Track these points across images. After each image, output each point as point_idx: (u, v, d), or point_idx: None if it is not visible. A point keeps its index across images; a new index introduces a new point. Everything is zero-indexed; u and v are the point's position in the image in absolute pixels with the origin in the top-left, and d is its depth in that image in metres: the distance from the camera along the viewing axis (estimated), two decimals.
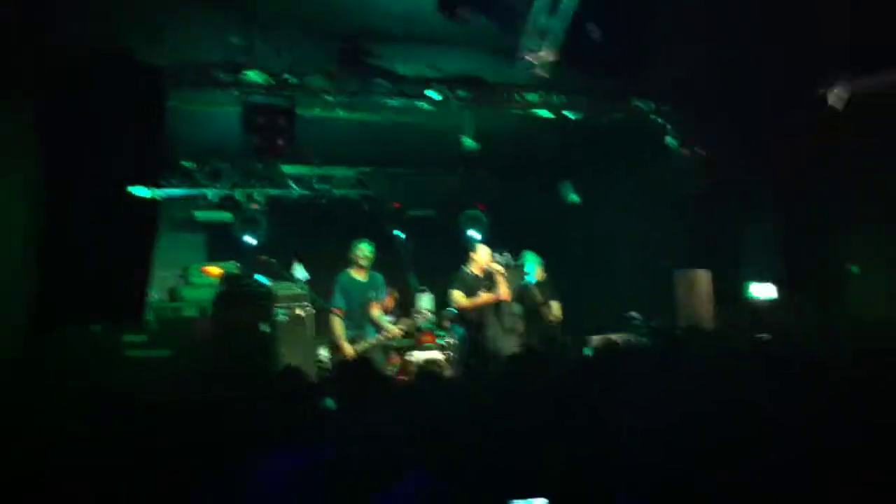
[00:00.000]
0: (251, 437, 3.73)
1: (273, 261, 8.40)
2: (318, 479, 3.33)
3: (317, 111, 8.06)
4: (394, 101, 7.87)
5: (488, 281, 8.22)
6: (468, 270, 8.30)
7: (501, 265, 8.22)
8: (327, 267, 8.44)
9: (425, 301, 8.80)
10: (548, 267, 9.05)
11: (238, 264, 8.19)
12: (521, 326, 8.36)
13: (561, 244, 10.12)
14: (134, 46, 6.01)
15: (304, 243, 9.36)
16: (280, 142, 7.30)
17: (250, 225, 9.17)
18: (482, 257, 8.27)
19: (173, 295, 7.50)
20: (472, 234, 10.16)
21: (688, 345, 4.78)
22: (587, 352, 7.47)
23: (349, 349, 7.77)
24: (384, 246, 8.96)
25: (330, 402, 4.44)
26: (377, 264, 8.30)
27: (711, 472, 2.87)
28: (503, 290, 8.14)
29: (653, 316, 8.45)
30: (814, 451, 2.89)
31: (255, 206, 9.33)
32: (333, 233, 8.83)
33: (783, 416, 3.26)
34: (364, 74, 7.58)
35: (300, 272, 8.54)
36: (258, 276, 7.83)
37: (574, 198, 10.34)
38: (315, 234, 9.47)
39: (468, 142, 8.50)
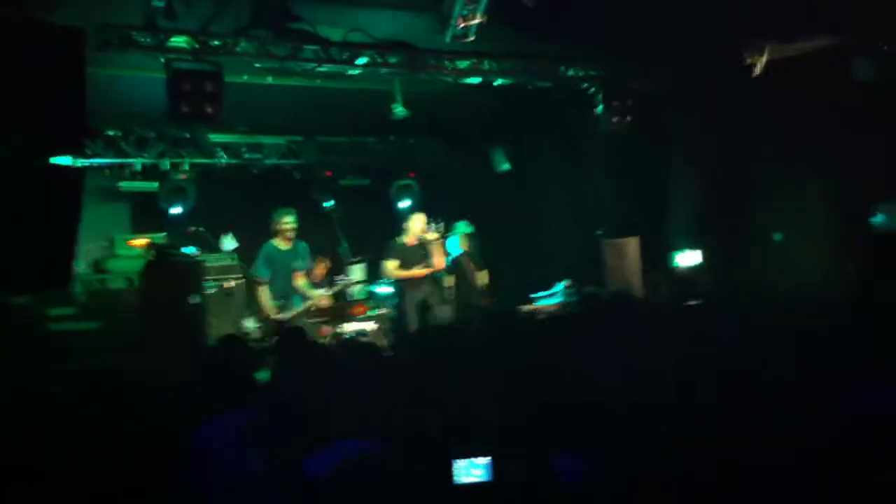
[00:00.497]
0: (183, 407, 3.71)
1: (202, 230, 8.26)
2: (251, 444, 3.34)
3: (245, 77, 7.91)
4: (323, 68, 7.76)
5: (422, 250, 8.24)
6: (402, 240, 8.31)
7: (435, 234, 8.25)
8: (257, 236, 8.35)
9: (357, 271, 8.79)
10: (480, 235, 9.12)
11: (165, 235, 8.02)
12: (453, 295, 8.43)
13: (493, 212, 10.19)
14: (47, 8, 5.78)
15: (234, 213, 9.23)
16: (207, 108, 7.11)
17: (177, 195, 8.96)
18: (416, 227, 8.29)
19: (99, 266, 7.31)
20: (404, 202, 10.15)
21: (614, 310, 4.89)
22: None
23: (277, 317, 7.73)
24: (316, 216, 8.89)
25: (263, 373, 4.43)
26: (309, 235, 8.23)
27: (640, 431, 2.95)
28: (437, 260, 8.18)
29: (583, 283, 8.58)
30: (729, 408, 3.02)
31: (182, 176, 9.12)
32: (264, 202, 8.70)
33: (703, 378, 3.38)
34: (291, 39, 7.44)
35: (229, 242, 8.42)
36: (186, 248, 7.69)
37: (505, 165, 10.39)
38: (245, 203, 9.33)
39: (399, 109, 8.45)
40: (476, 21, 7.54)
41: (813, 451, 2.69)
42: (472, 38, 7.60)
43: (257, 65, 7.59)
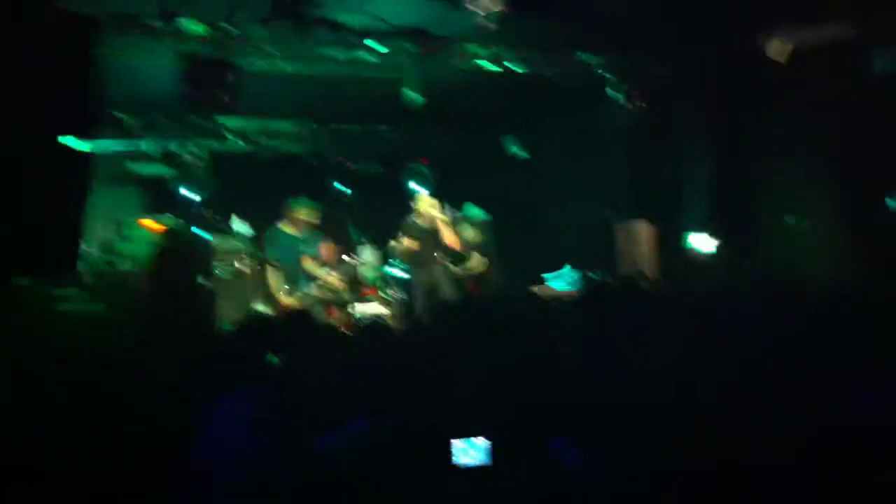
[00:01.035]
0: (195, 388, 3.71)
1: (213, 214, 8.30)
2: (261, 426, 3.34)
3: (258, 63, 7.91)
4: (336, 53, 7.74)
5: (432, 231, 8.19)
6: (413, 220, 8.27)
7: (445, 216, 8.22)
8: (270, 222, 8.37)
9: (367, 254, 8.79)
10: (493, 220, 9.10)
11: (177, 218, 8.07)
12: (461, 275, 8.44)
13: (505, 198, 10.16)
14: None
15: (246, 198, 9.25)
16: (222, 97, 7.13)
17: (189, 179, 9.00)
18: (424, 206, 8.25)
19: (108, 249, 7.36)
20: (417, 188, 10.14)
21: (622, 295, 4.84)
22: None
23: (286, 300, 7.74)
24: (329, 201, 8.90)
25: (273, 357, 4.44)
26: (322, 221, 8.25)
27: (645, 419, 2.93)
28: (449, 239, 8.12)
29: (595, 268, 8.55)
30: (737, 398, 2.99)
31: (195, 161, 9.16)
32: (277, 188, 8.72)
33: (711, 365, 3.35)
34: (305, 24, 7.43)
35: (241, 226, 8.45)
36: (197, 230, 7.72)
37: (519, 151, 10.36)
38: (257, 188, 9.35)
39: (412, 95, 8.43)
40: (495, 9, 7.47)
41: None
42: (491, 26, 7.52)
43: (270, 51, 7.59)
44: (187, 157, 9.12)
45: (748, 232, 8.26)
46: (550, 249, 9.93)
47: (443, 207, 8.38)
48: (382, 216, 9.13)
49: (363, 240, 8.77)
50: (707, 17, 7.64)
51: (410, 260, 8.24)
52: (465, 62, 8.20)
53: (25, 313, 5.04)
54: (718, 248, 8.43)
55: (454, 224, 8.39)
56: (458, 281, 8.34)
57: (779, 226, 8.17)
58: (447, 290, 8.10)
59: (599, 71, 8.77)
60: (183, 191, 8.92)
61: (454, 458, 2.78)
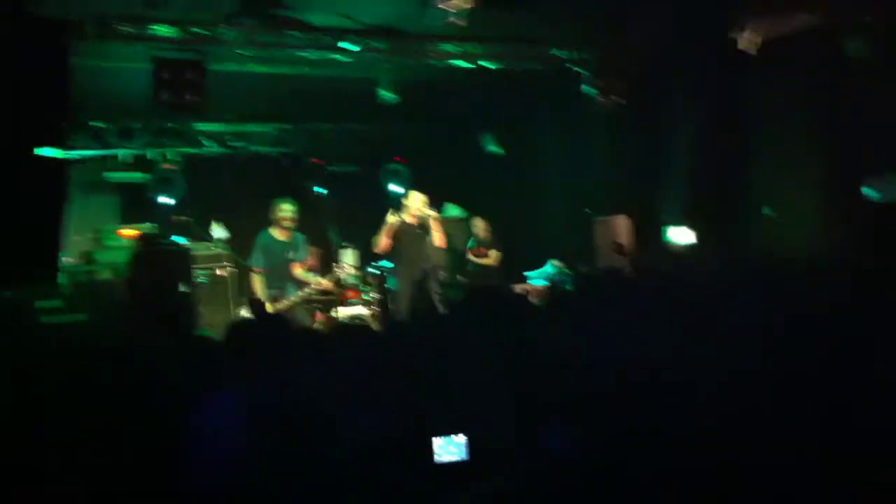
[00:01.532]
0: (176, 392, 3.68)
1: (191, 220, 8.23)
2: (252, 427, 3.33)
3: (230, 65, 7.85)
4: (308, 54, 7.70)
5: (421, 229, 8.02)
6: (401, 217, 8.04)
7: (434, 212, 8.07)
8: (247, 225, 8.30)
9: (348, 256, 8.73)
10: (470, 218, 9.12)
11: (154, 225, 7.98)
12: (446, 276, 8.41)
13: (484, 195, 10.18)
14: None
15: (223, 202, 9.19)
16: (190, 97, 7.09)
17: (165, 185, 8.92)
18: (415, 204, 8.06)
19: (87, 258, 7.27)
20: (394, 187, 10.10)
21: (605, 287, 4.86)
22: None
23: (269, 307, 7.67)
24: (306, 203, 8.85)
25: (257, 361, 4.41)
26: (299, 222, 8.19)
27: (627, 410, 2.95)
28: (438, 237, 7.97)
29: (575, 262, 8.58)
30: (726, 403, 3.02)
31: (170, 166, 9.08)
32: (253, 191, 8.67)
33: (695, 354, 3.37)
34: (276, 25, 7.39)
35: (219, 231, 8.37)
36: (175, 237, 7.65)
37: (495, 149, 10.36)
38: (234, 192, 9.30)
39: (386, 94, 8.39)
40: (466, 6, 7.44)
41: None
42: (462, 23, 7.47)
43: (243, 52, 7.54)
44: (162, 162, 9.04)
45: (728, 222, 8.32)
46: (530, 244, 9.96)
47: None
48: (360, 215, 9.08)
49: (343, 243, 8.71)
50: (682, 11, 7.69)
51: (398, 258, 8.07)
52: (439, 60, 8.20)
53: (8, 325, 4.99)
54: (698, 239, 8.48)
55: (462, 221, 8.29)
56: (440, 277, 8.24)
57: (757, 216, 8.25)
58: (436, 287, 7.98)
59: (571, 66, 8.80)
60: (160, 197, 8.85)
61: (437, 456, 2.79)
